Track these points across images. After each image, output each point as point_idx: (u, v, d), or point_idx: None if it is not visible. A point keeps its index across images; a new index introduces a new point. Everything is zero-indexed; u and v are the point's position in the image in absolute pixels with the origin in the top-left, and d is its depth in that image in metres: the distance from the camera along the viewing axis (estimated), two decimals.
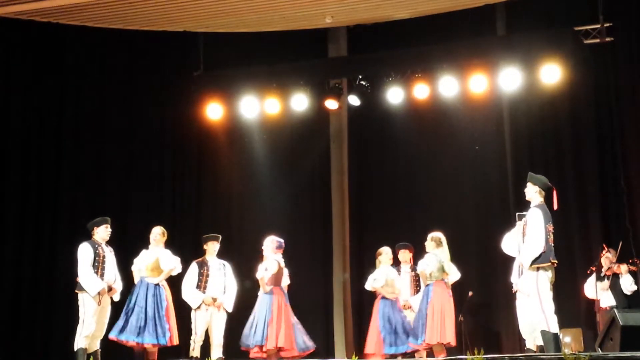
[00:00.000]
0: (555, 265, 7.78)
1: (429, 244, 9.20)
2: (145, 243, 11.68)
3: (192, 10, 11.20)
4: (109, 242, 9.07)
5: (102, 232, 8.93)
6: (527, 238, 7.82)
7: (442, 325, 8.82)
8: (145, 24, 11.61)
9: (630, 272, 9.83)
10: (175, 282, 10.07)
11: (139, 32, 11.74)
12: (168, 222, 11.95)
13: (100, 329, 8.72)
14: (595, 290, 9.84)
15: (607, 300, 9.94)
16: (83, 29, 11.57)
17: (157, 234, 9.50)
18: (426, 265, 9.14)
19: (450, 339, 8.87)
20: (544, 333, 7.62)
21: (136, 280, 9.35)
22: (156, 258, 9.32)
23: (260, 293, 9.33)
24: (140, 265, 9.31)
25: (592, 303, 10.16)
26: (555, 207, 7.94)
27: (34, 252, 11.28)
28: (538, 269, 7.67)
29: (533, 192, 7.98)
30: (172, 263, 9.34)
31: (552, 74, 10.73)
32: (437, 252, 9.10)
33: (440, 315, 8.84)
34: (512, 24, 11.33)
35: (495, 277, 10.69)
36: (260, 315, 9.13)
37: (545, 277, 7.67)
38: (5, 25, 11.28)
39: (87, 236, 9.00)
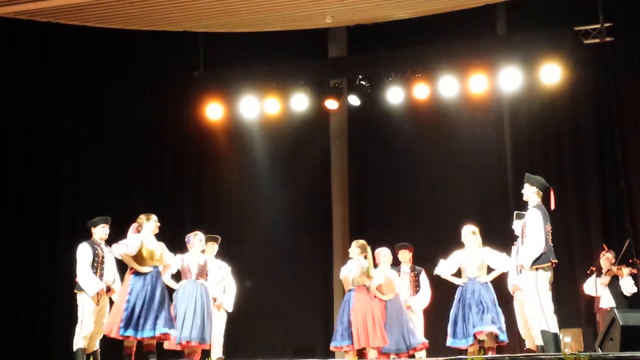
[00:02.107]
0: (555, 265, 7.78)
1: (353, 250, 9.12)
2: None
3: (192, 10, 11.19)
4: (108, 242, 9.02)
5: (101, 232, 8.87)
6: (526, 239, 7.82)
7: (365, 331, 8.78)
8: (145, 24, 11.61)
9: (631, 274, 9.80)
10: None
11: (138, 32, 11.73)
12: (168, 222, 11.97)
13: (99, 329, 8.67)
14: (595, 287, 9.82)
15: (607, 301, 9.92)
16: (83, 28, 11.57)
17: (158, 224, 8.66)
18: (349, 270, 9.06)
19: (379, 342, 8.82)
20: (543, 333, 7.62)
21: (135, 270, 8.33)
22: (161, 249, 8.58)
23: (208, 289, 9.12)
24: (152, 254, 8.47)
25: (592, 303, 10.15)
26: (553, 207, 7.93)
27: (34, 252, 11.28)
28: (537, 269, 7.66)
29: (531, 193, 7.97)
30: (175, 259, 8.87)
31: (552, 74, 10.74)
32: (360, 258, 9.06)
33: (362, 321, 8.81)
34: (512, 24, 11.34)
35: (496, 277, 10.67)
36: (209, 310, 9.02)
37: (545, 277, 7.66)
38: (5, 25, 11.29)
39: (87, 236, 8.97)
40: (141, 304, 8.13)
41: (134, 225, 8.54)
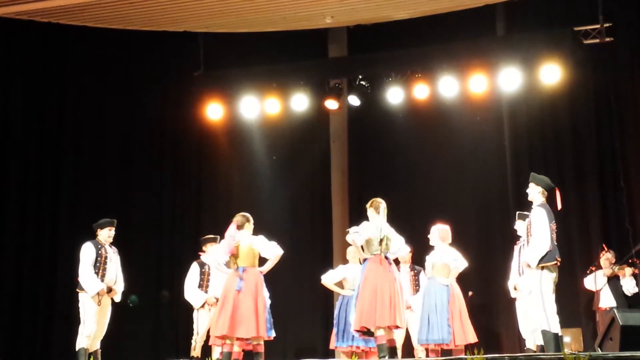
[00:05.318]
0: (559, 264, 7.78)
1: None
2: (146, 242, 11.72)
3: (193, 10, 11.19)
4: (112, 243, 9.00)
5: (106, 234, 8.88)
6: (532, 238, 7.80)
7: None
8: (145, 24, 11.61)
9: (633, 274, 9.80)
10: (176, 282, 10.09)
11: (139, 32, 11.74)
12: (168, 222, 12.02)
13: (101, 330, 8.69)
14: (595, 281, 9.82)
15: (606, 300, 9.94)
16: (83, 29, 11.57)
17: None
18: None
19: None
20: (544, 333, 7.60)
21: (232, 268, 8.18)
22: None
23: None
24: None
25: (592, 302, 10.16)
26: (559, 207, 7.92)
27: (35, 252, 11.28)
28: (543, 268, 7.64)
29: (536, 193, 7.93)
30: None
31: (551, 74, 10.74)
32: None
33: None
34: (512, 24, 11.35)
35: (496, 278, 10.69)
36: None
37: (549, 277, 7.64)
38: (6, 26, 11.29)
39: (89, 235, 8.95)
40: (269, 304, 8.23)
41: (233, 225, 8.21)
